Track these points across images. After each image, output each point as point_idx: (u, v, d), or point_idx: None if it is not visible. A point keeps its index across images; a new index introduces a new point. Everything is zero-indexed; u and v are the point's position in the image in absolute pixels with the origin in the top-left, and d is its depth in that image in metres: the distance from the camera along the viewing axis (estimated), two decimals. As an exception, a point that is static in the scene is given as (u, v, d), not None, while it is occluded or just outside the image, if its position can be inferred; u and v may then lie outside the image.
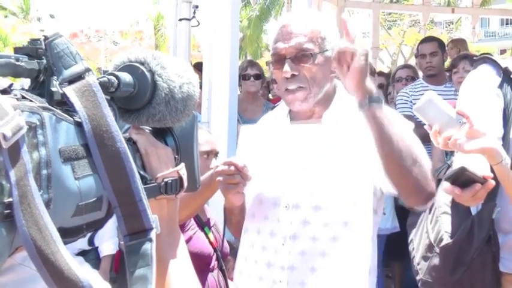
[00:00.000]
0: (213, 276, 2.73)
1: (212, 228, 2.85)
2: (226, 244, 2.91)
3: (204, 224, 2.81)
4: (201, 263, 2.63)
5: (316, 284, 2.09)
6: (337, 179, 2.11)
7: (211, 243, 2.77)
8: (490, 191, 2.09)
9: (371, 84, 1.95)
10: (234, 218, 2.29)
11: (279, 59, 2.17)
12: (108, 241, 4.11)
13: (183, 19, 7.50)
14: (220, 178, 2.07)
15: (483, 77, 2.48)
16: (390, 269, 5.47)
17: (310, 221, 2.11)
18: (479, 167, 2.10)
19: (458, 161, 2.22)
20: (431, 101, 2.08)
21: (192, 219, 2.73)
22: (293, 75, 2.14)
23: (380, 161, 1.98)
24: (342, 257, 2.10)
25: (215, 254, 2.76)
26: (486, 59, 2.53)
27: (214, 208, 2.93)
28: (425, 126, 2.11)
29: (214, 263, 2.76)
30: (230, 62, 4.57)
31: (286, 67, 2.13)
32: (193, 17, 7.42)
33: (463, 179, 2.07)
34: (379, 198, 2.18)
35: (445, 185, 2.11)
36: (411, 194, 2.05)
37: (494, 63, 2.48)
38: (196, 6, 7.43)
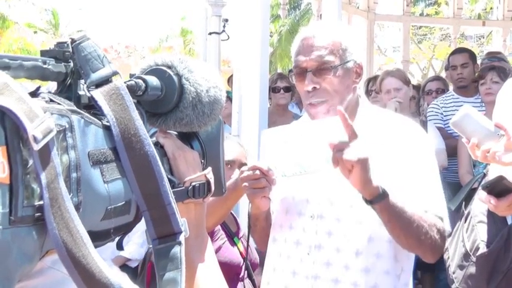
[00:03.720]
0: (243, 286, 2.73)
1: (241, 239, 2.84)
2: (256, 255, 2.90)
3: (233, 235, 2.82)
4: (230, 273, 2.62)
5: None
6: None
7: (240, 253, 2.77)
8: None
9: (376, 183, 1.89)
10: (259, 224, 2.27)
11: (300, 72, 2.16)
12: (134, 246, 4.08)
13: (213, 33, 7.54)
14: (246, 183, 2.06)
15: None
16: (421, 281, 5.40)
17: (333, 232, 2.11)
18: None
19: (494, 170, 2.19)
20: (469, 115, 2.06)
21: (221, 229, 2.73)
22: (314, 89, 2.12)
23: (392, 238, 2.05)
24: (366, 272, 2.08)
25: (244, 264, 2.75)
26: None
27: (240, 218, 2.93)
28: (463, 140, 2.09)
29: (243, 272, 2.75)
30: (260, 75, 4.57)
31: (308, 80, 2.12)
32: (223, 30, 7.46)
33: (499, 189, 2.06)
34: None
35: (481, 194, 2.09)
36: (423, 257, 2.14)
37: None
38: (226, 20, 7.46)
